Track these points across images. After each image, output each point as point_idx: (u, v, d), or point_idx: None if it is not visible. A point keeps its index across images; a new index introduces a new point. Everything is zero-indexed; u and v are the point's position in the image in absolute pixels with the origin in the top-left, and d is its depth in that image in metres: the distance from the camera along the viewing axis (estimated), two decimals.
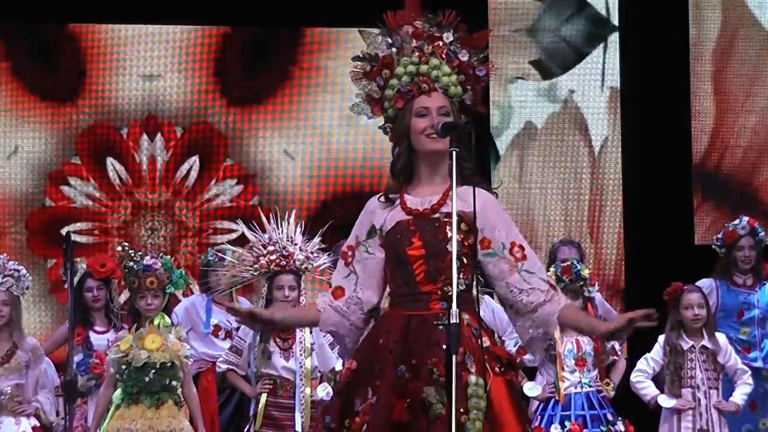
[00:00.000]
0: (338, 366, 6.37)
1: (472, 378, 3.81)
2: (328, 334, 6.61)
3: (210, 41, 9.33)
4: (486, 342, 3.92)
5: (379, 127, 4.17)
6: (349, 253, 4.10)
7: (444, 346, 3.70)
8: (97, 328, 7.04)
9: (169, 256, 6.50)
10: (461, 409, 3.73)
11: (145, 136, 9.23)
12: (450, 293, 3.74)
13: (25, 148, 9.16)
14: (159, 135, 9.27)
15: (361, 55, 4.14)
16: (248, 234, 6.50)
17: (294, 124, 9.34)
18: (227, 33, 9.34)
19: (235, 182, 9.28)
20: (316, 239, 6.51)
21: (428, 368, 3.82)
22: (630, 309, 8.91)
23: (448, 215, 3.84)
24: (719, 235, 7.73)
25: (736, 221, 7.69)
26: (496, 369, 3.90)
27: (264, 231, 6.47)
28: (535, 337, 4.03)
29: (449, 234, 3.85)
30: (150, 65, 9.27)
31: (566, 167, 9.49)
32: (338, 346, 4.27)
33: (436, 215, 3.96)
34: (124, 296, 7.05)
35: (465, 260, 3.94)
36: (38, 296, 8.99)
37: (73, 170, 9.20)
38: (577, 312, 4.08)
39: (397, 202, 4.04)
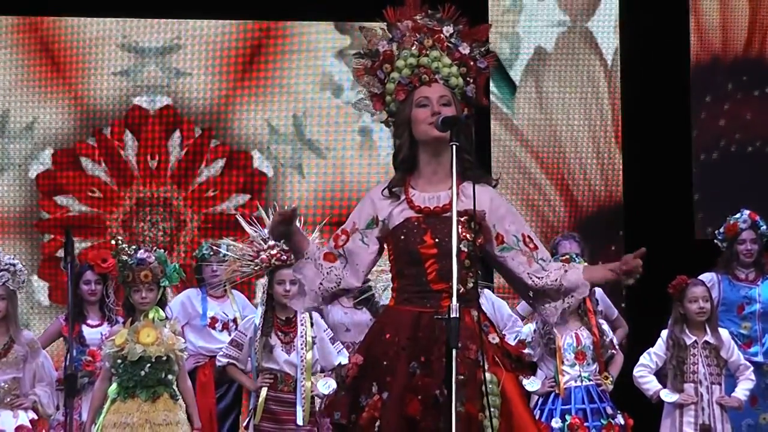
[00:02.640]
0: (343, 360, 6.35)
1: (488, 375, 3.83)
2: (329, 329, 6.65)
3: (244, 42, 9.26)
4: (495, 339, 3.98)
5: (381, 122, 4.18)
6: (342, 236, 4.09)
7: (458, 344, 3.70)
8: (90, 322, 7.00)
9: (162, 250, 6.47)
10: (477, 407, 3.78)
11: (128, 132, 9.14)
12: (461, 291, 3.77)
13: (43, 121, 9.07)
14: (177, 131, 9.20)
15: (362, 52, 4.16)
16: (248, 229, 6.47)
17: (270, 90, 9.23)
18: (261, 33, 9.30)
19: (223, 162, 9.21)
20: (315, 233, 6.49)
21: (442, 365, 3.80)
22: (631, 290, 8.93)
23: (460, 213, 3.85)
24: (720, 229, 7.70)
25: (737, 215, 7.67)
26: (508, 366, 3.94)
27: (264, 226, 6.44)
28: (572, 304, 4.06)
29: (462, 233, 3.89)
30: (181, 61, 9.20)
31: (583, 84, 9.47)
32: (301, 294, 4.16)
33: (448, 214, 3.92)
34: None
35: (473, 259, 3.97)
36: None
37: (85, 150, 9.11)
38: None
39: (403, 197, 4.04)
